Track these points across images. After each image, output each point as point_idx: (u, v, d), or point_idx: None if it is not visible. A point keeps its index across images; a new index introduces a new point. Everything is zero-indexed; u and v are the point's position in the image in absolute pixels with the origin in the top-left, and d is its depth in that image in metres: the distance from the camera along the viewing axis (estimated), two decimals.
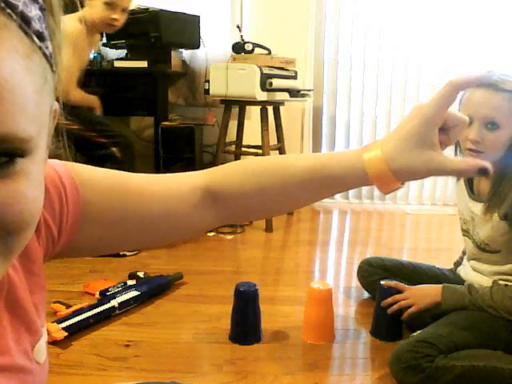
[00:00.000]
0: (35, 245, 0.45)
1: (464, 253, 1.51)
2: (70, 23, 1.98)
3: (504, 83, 1.13)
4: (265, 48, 2.60)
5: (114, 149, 2.04)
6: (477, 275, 1.38)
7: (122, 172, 0.54)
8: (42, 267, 0.46)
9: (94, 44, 2.19)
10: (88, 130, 2.03)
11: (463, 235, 1.41)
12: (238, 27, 2.56)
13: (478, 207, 1.29)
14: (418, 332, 1.23)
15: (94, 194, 0.49)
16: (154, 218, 0.53)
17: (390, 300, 1.38)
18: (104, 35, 2.70)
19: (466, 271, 1.44)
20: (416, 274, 1.56)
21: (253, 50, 2.52)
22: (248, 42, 2.50)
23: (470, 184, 1.34)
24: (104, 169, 0.52)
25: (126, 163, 2.06)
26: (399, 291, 1.41)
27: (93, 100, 2.17)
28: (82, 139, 2.05)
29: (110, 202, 0.51)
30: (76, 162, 0.49)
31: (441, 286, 1.32)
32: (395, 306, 1.37)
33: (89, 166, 0.51)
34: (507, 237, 1.23)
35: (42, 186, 0.36)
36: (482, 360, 1.13)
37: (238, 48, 2.51)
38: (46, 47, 0.33)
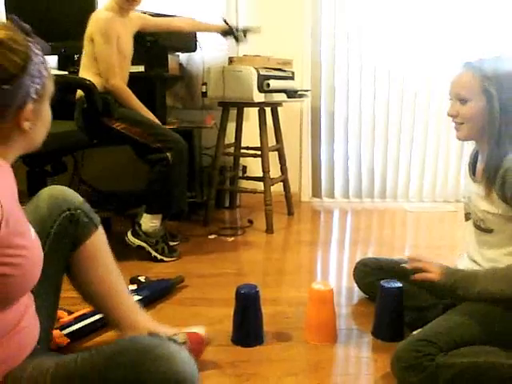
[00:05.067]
0: None
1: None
2: (99, 15, 2.07)
3: (477, 61, 1.28)
4: (250, 31, 2.57)
5: (167, 153, 2.04)
6: (474, 266, 1.37)
7: None
8: None
9: (133, 26, 2.22)
10: (145, 134, 2.06)
11: (466, 220, 1.42)
12: (225, 21, 2.53)
13: (474, 187, 1.35)
14: (418, 330, 1.23)
15: None
16: None
17: (418, 264, 1.34)
18: None
19: (465, 264, 1.44)
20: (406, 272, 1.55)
21: (245, 33, 2.52)
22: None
23: (473, 167, 1.41)
24: None
25: (177, 168, 2.07)
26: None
27: (140, 106, 2.16)
28: (139, 143, 2.08)
29: None
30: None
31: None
32: (420, 276, 1.32)
33: None
34: (502, 217, 1.26)
35: None
36: (481, 356, 1.13)
37: (226, 33, 2.50)
38: None
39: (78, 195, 1.20)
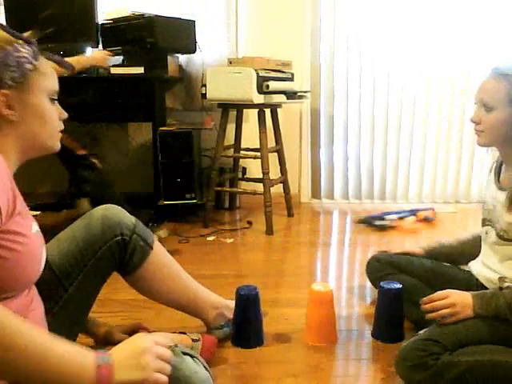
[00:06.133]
0: None
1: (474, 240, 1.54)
2: None
3: (504, 68, 1.23)
4: None
5: (94, 160, 2.14)
6: (488, 271, 1.38)
7: None
8: None
9: None
10: (69, 139, 2.07)
11: (485, 225, 1.41)
12: None
13: (501, 195, 1.31)
14: (424, 330, 1.23)
15: None
16: None
17: (428, 307, 1.26)
18: (100, 42, 2.71)
19: (477, 267, 1.45)
20: (420, 270, 1.56)
21: None
22: None
23: (498, 174, 1.38)
24: None
25: (104, 172, 2.21)
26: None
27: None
28: (64, 147, 2.09)
29: None
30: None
31: (470, 295, 1.24)
32: (434, 315, 1.23)
33: None
34: None
35: None
36: (486, 355, 1.13)
37: None
38: None
39: (131, 216, 1.22)
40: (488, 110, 1.24)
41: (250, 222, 2.72)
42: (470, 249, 1.57)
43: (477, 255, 1.55)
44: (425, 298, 1.28)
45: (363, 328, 1.53)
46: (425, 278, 1.51)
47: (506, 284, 1.29)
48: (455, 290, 1.26)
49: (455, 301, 1.21)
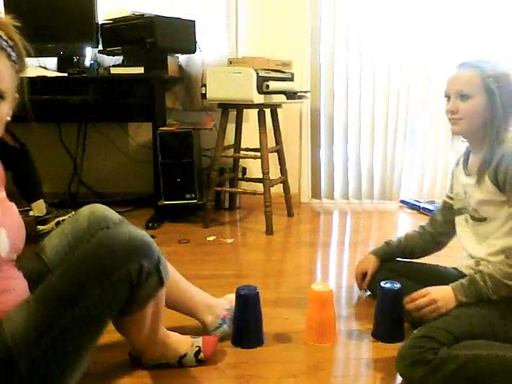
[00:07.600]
0: None
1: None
2: None
3: (475, 61, 1.33)
4: None
5: (24, 147, 2.30)
6: (468, 259, 1.43)
7: None
8: None
9: None
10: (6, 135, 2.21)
11: (462, 214, 1.46)
12: None
13: (468, 180, 1.40)
14: (418, 329, 1.24)
15: None
16: None
17: (411, 306, 1.31)
18: (100, 42, 2.71)
19: (462, 259, 1.50)
20: (417, 272, 1.58)
21: None
22: None
23: (465, 163, 1.46)
24: None
25: (30, 154, 2.36)
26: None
27: None
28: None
29: None
30: None
31: (450, 288, 1.28)
32: (418, 314, 1.29)
33: None
34: (494, 203, 1.31)
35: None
36: (485, 349, 1.15)
37: None
38: (14, 60, 0.92)
39: (117, 214, 1.29)
40: (465, 99, 1.31)
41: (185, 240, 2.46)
42: (420, 245, 1.64)
43: (429, 250, 1.66)
44: (406, 298, 1.32)
45: (363, 328, 1.53)
46: (422, 280, 1.51)
47: (481, 267, 1.33)
48: (434, 287, 1.30)
49: (435, 296, 1.26)
